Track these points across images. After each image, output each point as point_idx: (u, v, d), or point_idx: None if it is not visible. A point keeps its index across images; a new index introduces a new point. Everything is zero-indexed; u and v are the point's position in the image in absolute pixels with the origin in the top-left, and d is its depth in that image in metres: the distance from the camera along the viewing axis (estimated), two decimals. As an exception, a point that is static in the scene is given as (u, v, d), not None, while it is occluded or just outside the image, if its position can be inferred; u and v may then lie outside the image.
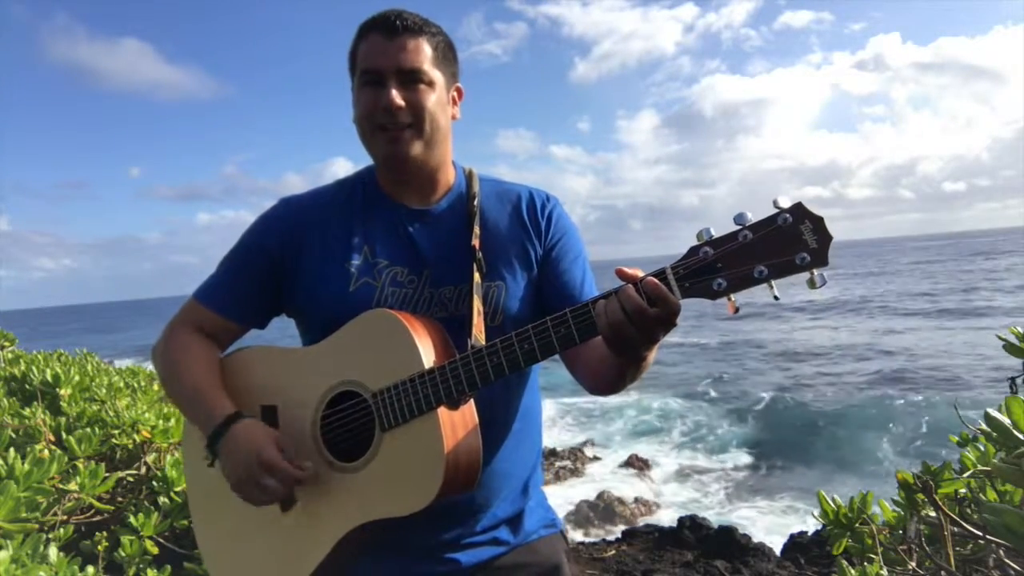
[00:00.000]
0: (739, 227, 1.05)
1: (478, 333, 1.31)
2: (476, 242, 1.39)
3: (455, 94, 1.44)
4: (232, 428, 1.31)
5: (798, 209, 1.02)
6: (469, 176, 1.48)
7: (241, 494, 1.30)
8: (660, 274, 1.08)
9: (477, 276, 1.36)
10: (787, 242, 1.02)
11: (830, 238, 1.01)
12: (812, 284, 1.02)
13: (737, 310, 1.06)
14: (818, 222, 1.01)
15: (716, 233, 1.06)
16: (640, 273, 1.10)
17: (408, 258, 1.39)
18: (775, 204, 1.03)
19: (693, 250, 1.07)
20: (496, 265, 1.40)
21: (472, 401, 1.28)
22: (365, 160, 1.47)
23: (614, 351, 1.14)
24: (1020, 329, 1.88)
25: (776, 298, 1.04)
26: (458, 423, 1.25)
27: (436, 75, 1.36)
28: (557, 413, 17.48)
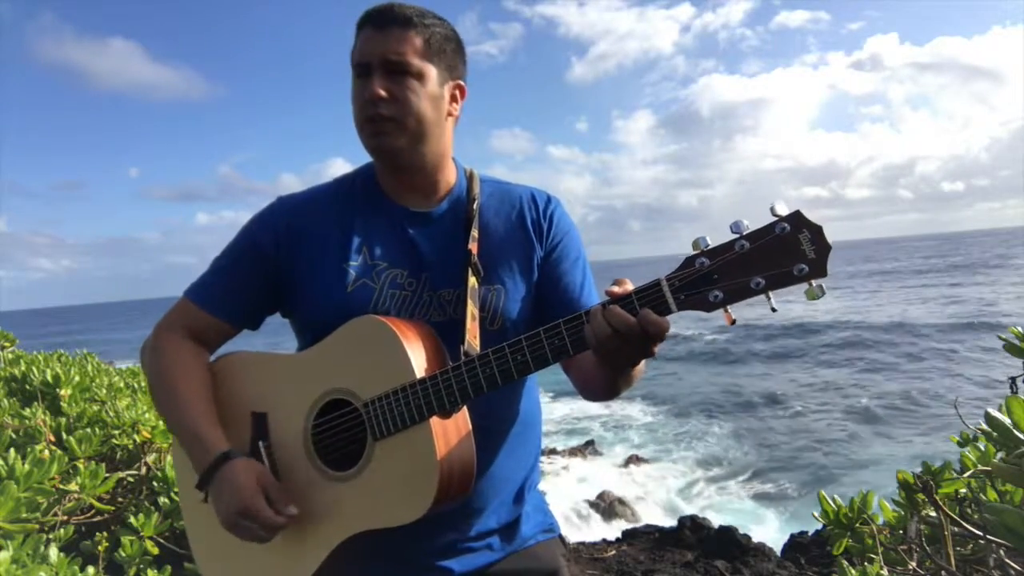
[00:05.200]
0: (736, 236, 1.03)
1: (471, 339, 1.29)
2: (473, 246, 1.36)
3: (456, 91, 1.39)
4: (221, 471, 1.27)
5: (796, 217, 1.00)
6: (470, 178, 1.45)
7: (231, 532, 1.28)
8: (655, 286, 1.07)
9: (473, 280, 1.34)
10: (785, 252, 1.00)
11: (829, 248, 0.99)
12: (811, 295, 1.00)
13: (734, 322, 1.04)
14: (816, 231, 0.99)
15: (712, 242, 1.04)
16: (630, 287, 1.09)
17: (407, 261, 1.37)
18: (772, 212, 1.01)
19: (689, 260, 1.05)
20: (495, 269, 1.38)
21: (465, 408, 1.25)
22: (362, 160, 1.45)
23: (603, 364, 1.13)
24: (1020, 329, 1.88)
25: (773, 309, 1.02)
26: (451, 431, 1.23)
27: (426, 68, 1.32)
28: (558, 413, 17.47)
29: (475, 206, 1.41)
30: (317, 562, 1.29)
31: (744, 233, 1.03)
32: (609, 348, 1.08)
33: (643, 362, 1.22)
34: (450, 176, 1.44)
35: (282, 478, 1.34)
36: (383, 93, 1.29)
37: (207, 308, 1.41)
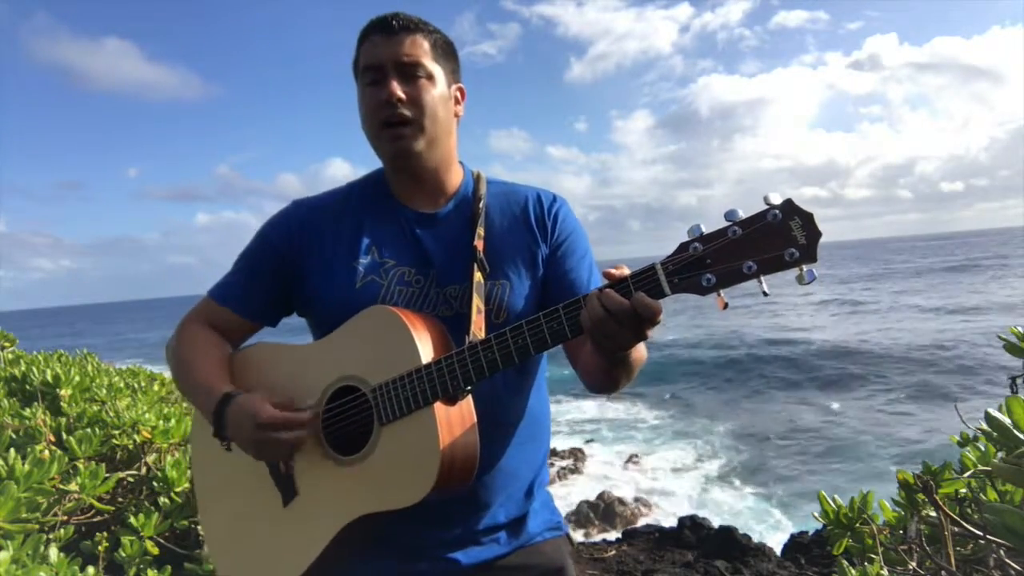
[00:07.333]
0: (729, 223, 1.06)
1: (477, 331, 1.32)
2: (479, 243, 1.40)
3: (457, 93, 1.46)
4: (229, 407, 1.34)
5: (788, 205, 1.03)
6: (477, 179, 1.50)
7: (266, 458, 1.35)
8: (649, 270, 1.09)
9: (479, 275, 1.37)
10: (776, 238, 1.03)
11: (819, 234, 1.01)
12: (801, 280, 1.02)
13: (726, 305, 1.06)
14: (807, 218, 1.02)
15: (706, 229, 1.07)
16: (627, 272, 1.12)
17: (415, 259, 1.41)
18: (766, 200, 1.04)
19: (683, 246, 1.08)
20: (500, 265, 1.42)
21: (470, 398, 1.28)
22: (362, 161, 1.49)
23: (599, 349, 1.15)
24: (1020, 329, 1.88)
25: (765, 293, 1.05)
26: (455, 419, 1.26)
27: (436, 70, 1.38)
28: (559, 413, 17.49)
29: (481, 205, 1.45)
30: (322, 544, 1.33)
31: (737, 220, 1.05)
32: (604, 331, 1.10)
33: (644, 354, 1.24)
34: (456, 178, 1.48)
35: (295, 463, 1.39)
36: (403, 95, 1.34)
37: (227, 305, 1.50)
